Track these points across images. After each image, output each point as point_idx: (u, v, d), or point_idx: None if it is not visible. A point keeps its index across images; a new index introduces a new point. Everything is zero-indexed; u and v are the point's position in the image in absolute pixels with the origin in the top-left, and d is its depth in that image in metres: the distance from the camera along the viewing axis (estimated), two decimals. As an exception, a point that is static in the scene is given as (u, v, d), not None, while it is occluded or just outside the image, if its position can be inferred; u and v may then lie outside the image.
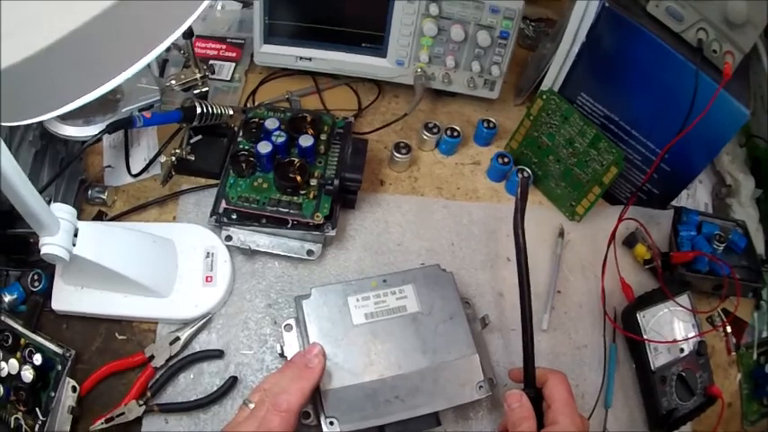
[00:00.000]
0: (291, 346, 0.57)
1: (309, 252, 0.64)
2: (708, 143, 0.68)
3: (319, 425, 0.53)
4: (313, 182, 0.63)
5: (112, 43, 0.38)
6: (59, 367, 0.56)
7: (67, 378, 0.56)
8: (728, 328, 0.77)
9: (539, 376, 0.53)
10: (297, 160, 0.63)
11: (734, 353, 0.77)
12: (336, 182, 0.63)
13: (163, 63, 0.76)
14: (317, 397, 0.54)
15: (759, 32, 0.62)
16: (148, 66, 0.73)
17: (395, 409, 0.54)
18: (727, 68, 0.62)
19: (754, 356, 0.77)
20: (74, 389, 0.56)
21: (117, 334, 0.60)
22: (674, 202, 0.77)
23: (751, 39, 0.62)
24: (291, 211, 0.62)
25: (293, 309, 0.61)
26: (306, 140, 0.63)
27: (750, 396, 0.75)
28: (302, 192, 0.63)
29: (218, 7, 0.81)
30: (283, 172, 0.63)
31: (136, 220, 0.68)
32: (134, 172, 0.69)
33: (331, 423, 0.52)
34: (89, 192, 0.69)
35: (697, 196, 0.82)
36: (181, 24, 0.42)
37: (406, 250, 0.68)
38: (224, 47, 0.77)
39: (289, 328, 0.58)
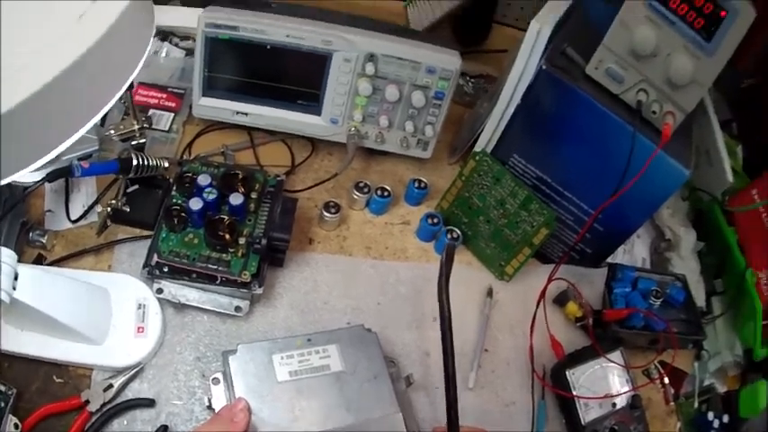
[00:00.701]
0: (219, 399, 0.59)
1: (237, 308, 0.66)
2: (644, 203, 0.70)
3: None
4: (242, 240, 0.65)
5: (58, 113, 0.41)
6: (2, 404, 0.58)
7: (10, 415, 0.58)
8: (666, 380, 0.79)
9: None
10: (226, 218, 0.65)
11: (672, 403, 0.78)
12: (264, 241, 0.64)
13: (105, 109, 0.77)
14: None
15: (704, 91, 0.64)
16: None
17: None
18: (667, 130, 0.63)
19: (695, 404, 0.79)
20: (16, 426, 0.58)
21: (55, 377, 0.62)
22: (610, 258, 0.79)
23: (694, 98, 0.63)
24: (220, 268, 0.64)
25: (221, 363, 0.63)
26: (236, 199, 0.65)
27: None
28: (231, 249, 0.65)
29: (163, 54, 0.82)
30: (213, 229, 0.65)
31: (73, 267, 0.69)
32: (73, 218, 0.71)
33: None
34: (30, 234, 0.70)
35: (634, 251, 0.83)
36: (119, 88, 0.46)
37: (332, 309, 0.70)
38: (164, 96, 0.79)
39: (216, 381, 0.60)
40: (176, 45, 0.83)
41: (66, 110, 0.42)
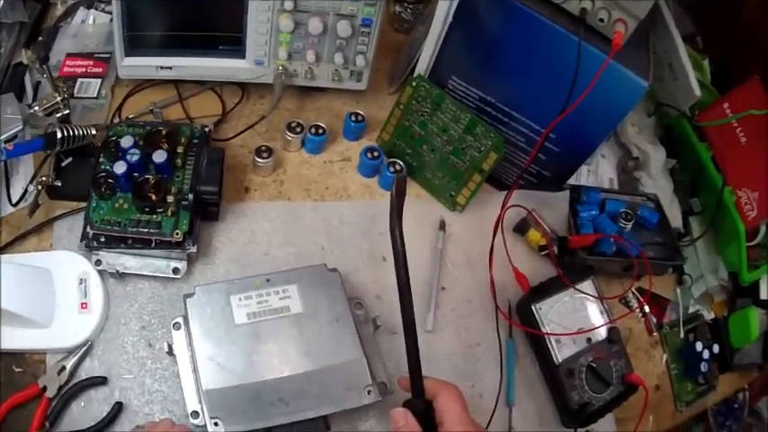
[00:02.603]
0: (179, 344, 0.55)
1: (175, 270, 0.59)
2: (602, 119, 0.61)
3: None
4: (170, 198, 0.58)
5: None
6: (-31, 403, 0.54)
7: None
8: (646, 308, 0.70)
9: (429, 388, 0.47)
10: (152, 177, 0.58)
11: (656, 333, 0.69)
12: (191, 196, 0.57)
13: (36, 85, 0.70)
14: (201, 396, 0.51)
15: None
16: (15, 94, 0.68)
17: (280, 411, 0.50)
18: (618, 38, 0.55)
19: (681, 334, 0.71)
20: None
21: (14, 366, 0.57)
22: (574, 180, 0.70)
23: (646, 3, 0.55)
24: (152, 230, 0.57)
25: (167, 330, 0.57)
26: (159, 156, 0.58)
27: (681, 376, 0.70)
28: (160, 210, 0.58)
29: (90, 21, 0.75)
30: (140, 191, 0.58)
31: (18, 251, 0.63)
32: (14, 201, 0.64)
33: (216, 424, 0.50)
34: (-25, 225, 0.63)
35: (599, 172, 0.74)
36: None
37: (274, 258, 0.62)
38: (91, 63, 0.71)
39: (177, 326, 0.55)
40: (102, 10, 0.75)
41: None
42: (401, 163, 0.66)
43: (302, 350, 0.53)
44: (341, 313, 0.55)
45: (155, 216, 0.57)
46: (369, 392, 0.52)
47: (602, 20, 0.56)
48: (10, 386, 0.55)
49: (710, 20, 0.88)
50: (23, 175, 0.67)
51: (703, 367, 0.67)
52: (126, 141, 0.59)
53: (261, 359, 0.52)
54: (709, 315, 0.72)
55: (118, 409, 0.54)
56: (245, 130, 0.67)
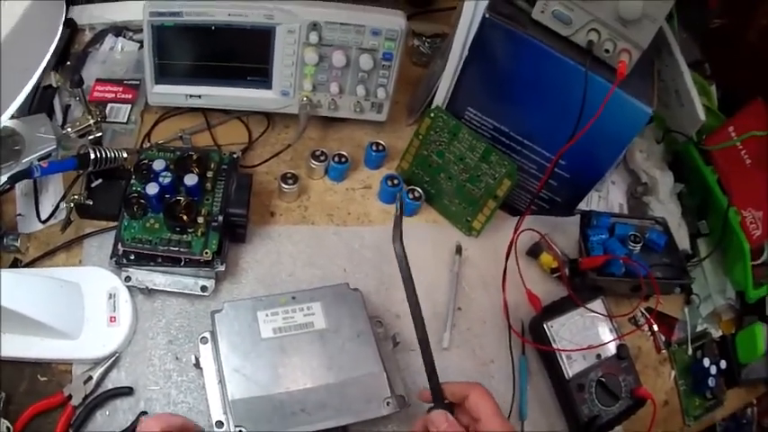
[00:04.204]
0: (206, 357, 0.59)
1: (203, 288, 0.65)
2: (609, 145, 0.67)
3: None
4: (200, 219, 0.64)
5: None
6: (-7, 409, 0.58)
7: (2, 419, 0.58)
8: (655, 327, 0.75)
9: (458, 391, 0.52)
10: (183, 199, 0.64)
11: (664, 350, 0.74)
12: (221, 218, 0.63)
13: (66, 108, 0.76)
14: (227, 406, 0.55)
15: (658, 26, 0.61)
16: (48, 114, 0.74)
17: (301, 421, 0.55)
18: (622, 67, 0.60)
19: (689, 351, 0.76)
20: (8, 429, 0.58)
21: (39, 376, 0.61)
22: (585, 206, 0.76)
23: (648, 34, 0.60)
24: (182, 250, 0.63)
25: (193, 344, 0.62)
26: (190, 179, 0.64)
27: (689, 392, 0.74)
28: (190, 230, 0.63)
29: (119, 49, 0.81)
30: (171, 211, 0.63)
31: (47, 266, 0.68)
32: (43, 218, 0.69)
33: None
34: (4, 240, 0.69)
35: (610, 197, 0.80)
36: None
37: (298, 280, 0.68)
38: (121, 89, 0.78)
39: (204, 340, 0.60)
40: (131, 39, 0.82)
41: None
42: (420, 190, 0.72)
43: (325, 364, 0.58)
44: (362, 330, 0.60)
45: (185, 236, 0.63)
46: (387, 404, 0.57)
47: (607, 50, 0.62)
48: (34, 394, 0.60)
49: (717, 46, 0.94)
50: (53, 193, 0.73)
51: (711, 382, 0.71)
52: (158, 164, 0.64)
53: (285, 371, 0.57)
54: (717, 333, 0.77)
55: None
56: (272, 157, 0.73)
